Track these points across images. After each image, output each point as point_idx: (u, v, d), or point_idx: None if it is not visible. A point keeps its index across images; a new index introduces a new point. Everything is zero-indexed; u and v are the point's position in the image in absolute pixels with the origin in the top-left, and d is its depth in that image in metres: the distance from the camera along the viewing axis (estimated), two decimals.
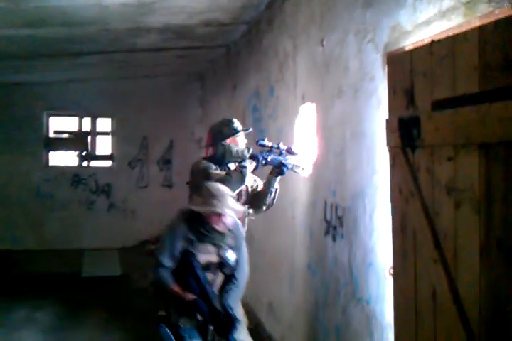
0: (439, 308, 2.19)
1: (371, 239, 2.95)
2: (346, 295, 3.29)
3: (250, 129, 4.21)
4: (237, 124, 4.07)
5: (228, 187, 3.58)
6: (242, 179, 3.74)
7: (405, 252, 2.45)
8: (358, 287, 3.10)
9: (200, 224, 3.45)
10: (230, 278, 3.60)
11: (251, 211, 4.12)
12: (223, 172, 3.82)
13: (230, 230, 3.56)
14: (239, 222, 3.76)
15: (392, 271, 2.64)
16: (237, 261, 3.58)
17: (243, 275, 3.65)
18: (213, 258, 3.52)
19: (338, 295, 3.41)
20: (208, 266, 3.50)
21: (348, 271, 3.26)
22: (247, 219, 4.11)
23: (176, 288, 3.42)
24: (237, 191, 3.78)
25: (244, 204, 4.02)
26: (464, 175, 2.02)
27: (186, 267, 3.43)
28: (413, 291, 2.38)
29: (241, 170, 3.76)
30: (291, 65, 4.51)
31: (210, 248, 3.51)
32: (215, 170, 3.87)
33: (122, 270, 8.01)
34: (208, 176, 3.78)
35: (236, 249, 3.59)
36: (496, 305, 1.85)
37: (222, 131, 4.02)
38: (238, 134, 4.04)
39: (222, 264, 3.55)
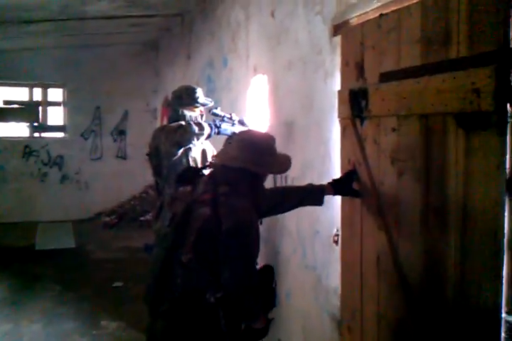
0: (382, 273, 2.28)
1: (317, 208, 3.02)
2: (295, 262, 3.37)
3: (210, 104, 4.03)
4: (199, 94, 3.96)
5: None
6: (200, 128, 3.76)
7: (353, 220, 2.54)
8: (306, 254, 3.19)
9: None
10: None
11: None
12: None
13: None
14: None
15: (336, 238, 2.73)
16: None
17: None
18: None
19: (288, 262, 3.51)
20: None
21: (296, 239, 3.34)
22: None
23: None
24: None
25: None
26: (406, 145, 2.09)
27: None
28: (359, 257, 2.47)
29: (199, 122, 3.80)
30: (244, 36, 4.48)
31: None
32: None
33: (76, 242, 7.93)
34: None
35: None
36: (432, 269, 1.94)
37: (182, 97, 3.93)
38: (197, 105, 3.96)
39: None
